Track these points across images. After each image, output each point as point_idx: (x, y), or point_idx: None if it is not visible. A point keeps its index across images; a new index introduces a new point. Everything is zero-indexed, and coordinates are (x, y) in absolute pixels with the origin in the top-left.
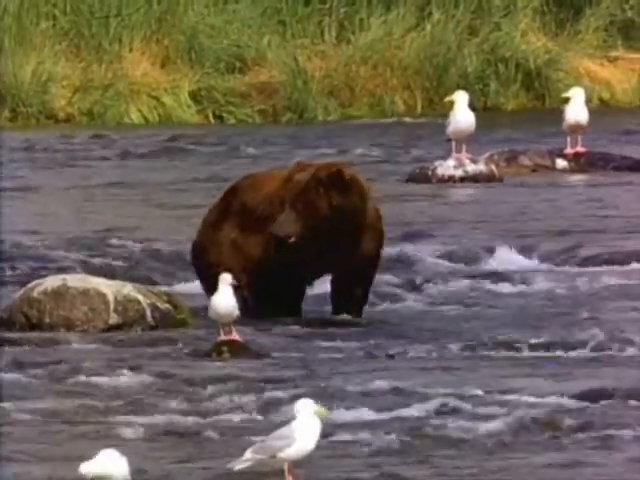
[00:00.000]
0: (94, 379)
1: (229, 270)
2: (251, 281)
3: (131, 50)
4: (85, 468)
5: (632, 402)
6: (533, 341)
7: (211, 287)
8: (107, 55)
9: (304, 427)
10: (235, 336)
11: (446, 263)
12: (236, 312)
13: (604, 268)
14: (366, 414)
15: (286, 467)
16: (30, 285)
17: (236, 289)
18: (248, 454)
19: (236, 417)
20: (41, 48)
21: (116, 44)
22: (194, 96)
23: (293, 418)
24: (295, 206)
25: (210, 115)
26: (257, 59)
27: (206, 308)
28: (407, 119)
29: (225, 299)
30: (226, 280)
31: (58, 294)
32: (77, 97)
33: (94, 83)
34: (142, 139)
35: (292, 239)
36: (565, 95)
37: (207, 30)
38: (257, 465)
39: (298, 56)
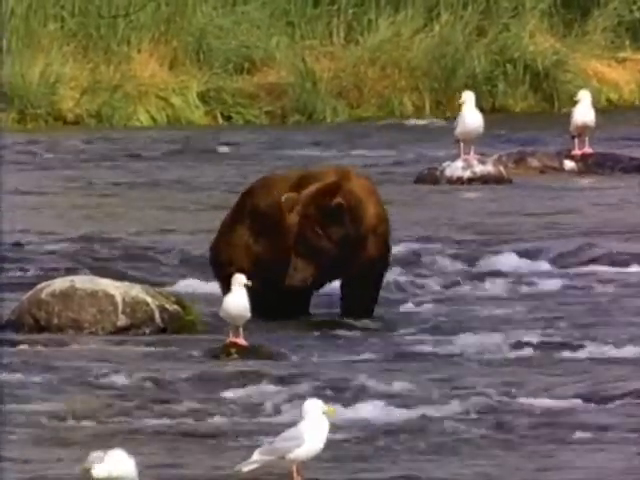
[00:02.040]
0: (102, 381)
1: (241, 271)
2: (260, 283)
3: (139, 51)
4: (93, 469)
5: (633, 402)
6: (538, 341)
7: (226, 287)
8: (115, 56)
9: (313, 428)
10: (242, 340)
11: (454, 264)
12: (247, 314)
13: (612, 269)
14: (372, 414)
15: (295, 468)
16: (38, 287)
17: (249, 290)
18: (256, 455)
19: (244, 418)
20: (49, 49)
21: (124, 45)
22: (202, 97)
23: (301, 419)
24: (299, 252)
25: (218, 116)
26: (265, 60)
27: (214, 309)
28: (415, 120)
29: (237, 300)
30: (239, 281)
31: (66, 296)
32: (85, 98)
33: (102, 84)
34: (150, 140)
35: (309, 281)
36: (576, 99)
37: (215, 31)
38: (265, 466)
39: (306, 57)
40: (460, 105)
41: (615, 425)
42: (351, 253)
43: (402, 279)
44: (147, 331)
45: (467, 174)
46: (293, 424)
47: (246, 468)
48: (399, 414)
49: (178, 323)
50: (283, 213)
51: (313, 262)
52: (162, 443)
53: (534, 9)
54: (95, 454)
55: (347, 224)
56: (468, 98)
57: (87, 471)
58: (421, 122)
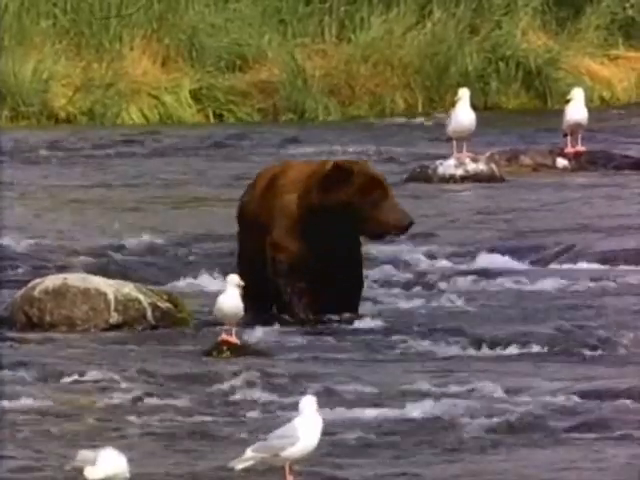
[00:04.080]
0: (94, 378)
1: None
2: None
3: (132, 49)
4: (85, 468)
5: (631, 401)
6: (532, 340)
7: None
8: (107, 54)
9: (307, 425)
10: (234, 338)
11: (446, 262)
12: (241, 313)
13: (605, 267)
14: (366, 413)
15: (287, 466)
16: (31, 284)
17: (243, 289)
18: (249, 452)
19: (236, 416)
20: (41, 47)
21: (116, 43)
22: (194, 95)
23: (295, 416)
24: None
25: (210, 114)
26: (257, 58)
27: (206, 307)
28: (408, 118)
29: (231, 299)
30: (233, 281)
31: (59, 293)
32: (78, 96)
33: (95, 82)
34: (142, 138)
35: None
36: (568, 97)
37: (207, 29)
38: (259, 464)
39: (298, 55)
40: (454, 102)
41: (614, 423)
42: None
43: (394, 277)
44: (139, 328)
45: (459, 172)
46: (286, 422)
47: (239, 465)
48: (391, 412)
49: (170, 320)
50: (264, 212)
51: None
52: (153, 441)
53: (526, 7)
54: (85, 452)
55: None
56: (464, 95)
57: (77, 469)
58: (413, 120)
